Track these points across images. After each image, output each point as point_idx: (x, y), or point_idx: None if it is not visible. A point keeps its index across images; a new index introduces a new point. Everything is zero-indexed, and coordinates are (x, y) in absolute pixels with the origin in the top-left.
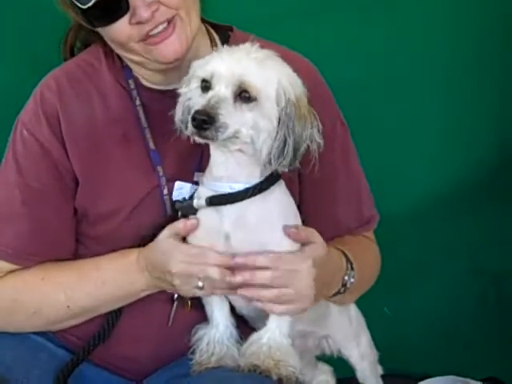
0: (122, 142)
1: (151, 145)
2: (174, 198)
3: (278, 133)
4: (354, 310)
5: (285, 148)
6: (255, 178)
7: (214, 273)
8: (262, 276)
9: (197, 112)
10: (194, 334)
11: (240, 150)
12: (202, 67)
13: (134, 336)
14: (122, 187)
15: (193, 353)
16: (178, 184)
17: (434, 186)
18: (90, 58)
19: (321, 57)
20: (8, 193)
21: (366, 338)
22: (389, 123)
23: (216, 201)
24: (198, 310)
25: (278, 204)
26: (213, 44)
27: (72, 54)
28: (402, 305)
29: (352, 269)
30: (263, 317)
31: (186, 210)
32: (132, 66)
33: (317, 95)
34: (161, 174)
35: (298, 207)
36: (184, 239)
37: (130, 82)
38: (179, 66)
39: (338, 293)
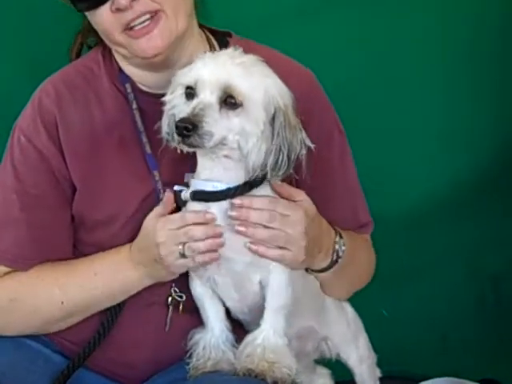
0: (118, 146)
1: (147, 149)
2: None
3: (273, 144)
4: (350, 312)
5: (279, 158)
6: (240, 180)
7: (197, 231)
8: (258, 215)
9: (180, 120)
10: (190, 339)
11: (227, 156)
12: (185, 74)
13: (130, 341)
14: (119, 193)
15: (190, 357)
16: (176, 188)
17: (432, 188)
18: (89, 63)
19: (318, 57)
20: (6, 198)
21: (364, 340)
22: (387, 124)
23: (198, 196)
24: (194, 314)
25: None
26: (212, 49)
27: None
28: (399, 306)
29: (341, 237)
30: (258, 319)
31: (177, 200)
32: (126, 67)
33: (315, 103)
34: (157, 178)
35: None
36: None
37: (127, 85)
38: (172, 68)
39: (332, 263)
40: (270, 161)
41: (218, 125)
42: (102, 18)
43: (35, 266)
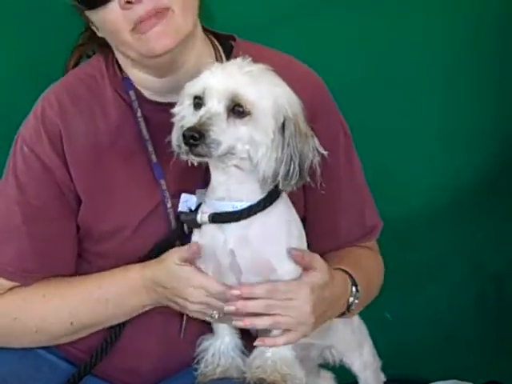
0: (123, 156)
1: (153, 158)
2: (179, 210)
3: (283, 153)
4: (356, 319)
5: (290, 168)
6: (257, 195)
7: (219, 305)
8: (255, 305)
9: (187, 129)
10: (198, 345)
11: (237, 167)
12: (193, 84)
13: (137, 348)
14: (125, 204)
15: (198, 363)
16: (183, 196)
17: (433, 189)
18: (92, 71)
19: (319, 58)
20: (8, 209)
21: (368, 347)
22: (387, 125)
23: (218, 219)
24: (201, 321)
25: (281, 219)
26: (217, 53)
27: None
28: (403, 310)
29: (357, 291)
30: (266, 329)
31: (190, 223)
32: (129, 71)
33: (322, 107)
34: (164, 187)
35: (303, 219)
36: None
37: (131, 93)
38: (178, 73)
39: (343, 314)
40: (281, 171)
41: (226, 134)
42: (111, 15)
43: (39, 282)
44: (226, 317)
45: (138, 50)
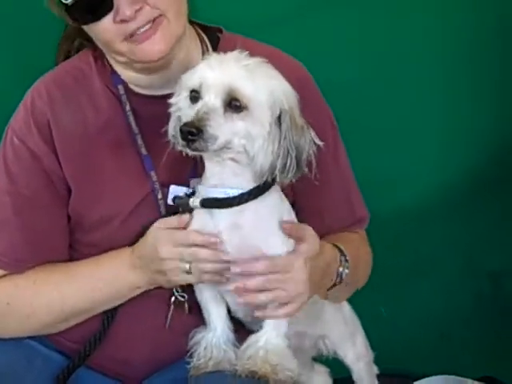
0: (113, 148)
1: (143, 150)
2: (169, 203)
3: (280, 146)
4: (347, 310)
5: (287, 161)
6: (250, 184)
7: (204, 253)
8: (255, 282)
9: (185, 124)
10: (191, 338)
11: (233, 160)
12: (190, 76)
13: (130, 339)
14: (115, 194)
15: (190, 356)
16: (172, 188)
17: (430, 187)
18: (79, 64)
19: (315, 56)
20: None
21: (361, 338)
22: (385, 123)
23: (208, 203)
24: (195, 313)
25: (273, 208)
26: (203, 45)
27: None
28: (397, 305)
29: (346, 260)
30: (260, 320)
31: (182, 206)
32: (119, 69)
33: (307, 97)
34: (154, 179)
35: (291, 204)
36: None
37: (120, 87)
38: (168, 68)
39: (334, 285)
40: (279, 164)
41: (223, 128)
42: (104, 30)
43: (32, 269)
44: (199, 269)
45: (131, 57)
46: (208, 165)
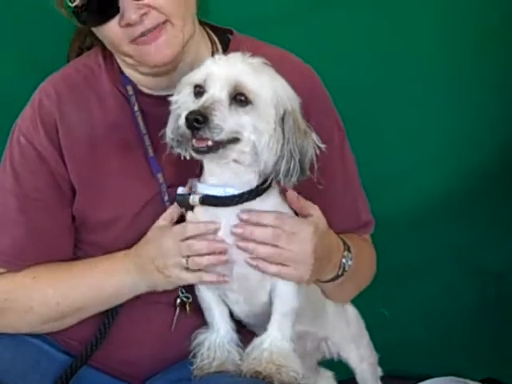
0: (120, 149)
1: (150, 152)
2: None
3: (284, 149)
4: (352, 312)
5: (291, 165)
6: (250, 185)
7: (200, 245)
8: (262, 232)
9: (190, 112)
10: (194, 339)
11: (236, 161)
12: (194, 73)
13: (134, 340)
14: (121, 195)
15: (194, 357)
16: (180, 189)
17: (432, 187)
18: (89, 63)
19: (320, 55)
20: (4, 200)
21: (365, 340)
22: (388, 123)
23: (208, 201)
24: (198, 314)
25: (273, 209)
26: (214, 47)
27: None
28: (400, 306)
29: (349, 251)
30: (262, 322)
31: (183, 203)
32: (127, 70)
33: (317, 102)
34: (161, 181)
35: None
36: None
37: (129, 87)
38: (175, 71)
39: (337, 276)
40: (282, 167)
41: (227, 120)
42: (110, 32)
43: (32, 267)
44: (196, 263)
45: (137, 59)
46: (208, 166)
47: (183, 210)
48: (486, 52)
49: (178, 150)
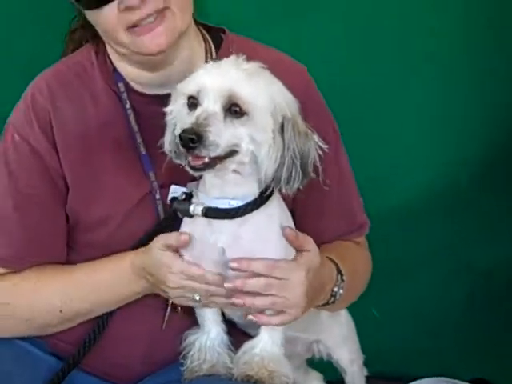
0: (112, 146)
1: (142, 150)
2: (172, 196)
3: (283, 158)
4: (344, 315)
5: (292, 172)
6: (253, 194)
7: (220, 291)
8: (255, 283)
9: (184, 131)
10: (184, 340)
11: (236, 171)
12: (187, 83)
13: (124, 341)
14: (113, 193)
15: (184, 359)
16: (173, 188)
17: (421, 183)
18: (82, 60)
19: (312, 54)
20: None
21: (355, 342)
22: (379, 119)
23: (212, 214)
24: (189, 315)
25: (273, 217)
26: (207, 45)
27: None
28: (389, 306)
29: (342, 280)
30: (250, 322)
31: (182, 212)
32: (120, 64)
33: (312, 105)
34: (153, 179)
35: (291, 211)
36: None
37: (120, 85)
38: (169, 66)
39: (327, 304)
40: (283, 175)
41: (224, 135)
42: (107, 17)
43: (32, 270)
44: (209, 300)
45: (131, 49)
46: (208, 177)
47: (179, 214)
48: (479, 48)
49: (177, 161)
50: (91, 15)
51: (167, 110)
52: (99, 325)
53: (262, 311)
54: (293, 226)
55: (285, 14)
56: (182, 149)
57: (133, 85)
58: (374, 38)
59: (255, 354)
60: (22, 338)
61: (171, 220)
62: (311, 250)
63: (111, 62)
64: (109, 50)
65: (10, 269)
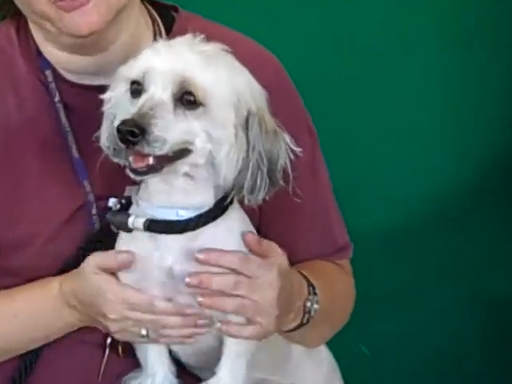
0: (39, 148)
1: (75, 153)
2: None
3: (247, 161)
4: (324, 351)
5: (258, 179)
6: (207, 203)
7: (173, 321)
8: (223, 280)
9: (123, 122)
10: None
11: (188, 175)
12: (131, 66)
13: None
14: (38, 206)
15: None
16: (112, 202)
17: (420, 195)
18: (0, 41)
19: (285, 43)
20: None
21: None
22: (380, 123)
23: (157, 227)
24: (130, 355)
25: (233, 231)
26: (155, 26)
27: None
28: (381, 340)
29: (315, 293)
30: (208, 363)
31: (118, 225)
32: (46, 48)
33: (280, 96)
34: (88, 189)
35: (256, 229)
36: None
37: (48, 73)
38: (107, 50)
39: (301, 325)
40: (247, 183)
41: (173, 129)
42: None
43: None
44: (159, 333)
45: (57, 25)
46: (152, 181)
47: (113, 228)
48: (484, 46)
49: (116, 160)
50: None
51: (105, 97)
52: (26, 365)
53: (226, 321)
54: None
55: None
56: (120, 144)
57: (62, 72)
58: (368, 31)
59: None
60: None
61: (104, 235)
62: (278, 255)
63: (35, 44)
64: (32, 28)
65: None
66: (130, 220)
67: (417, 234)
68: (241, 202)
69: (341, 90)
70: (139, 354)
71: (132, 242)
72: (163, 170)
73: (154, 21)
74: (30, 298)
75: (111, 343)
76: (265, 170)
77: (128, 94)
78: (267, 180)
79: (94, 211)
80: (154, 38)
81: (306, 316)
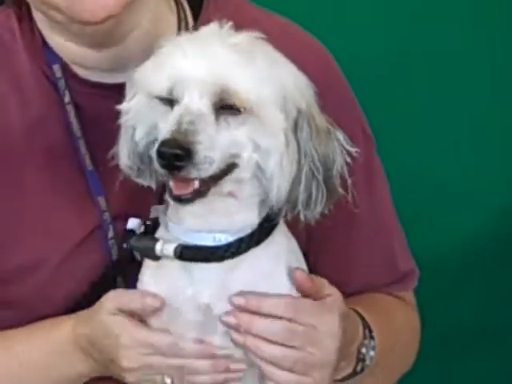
0: (44, 158)
1: (88, 164)
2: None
3: (300, 170)
4: None
5: (313, 188)
6: (251, 225)
7: (202, 366)
8: (267, 326)
9: (163, 143)
10: None
11: (231, 194)
12: (152, 72)
13: None
14: (44, 229)
15: None
16: (133, 223)
17: (501, 219)
18: None
19: (330, 34)
20: None
21: None
22: (428, 129)
23: (190, 255)
24: None
25: (280, 259)
26: (180, 11)
27: None
28: None
29: (371, 337)
30: None
31: (143, 251)
32: (54, 40)
33: (332, 91)
34: (103, 207)
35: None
36: None
37: (56, 67)
38: (124, 41)
39: (354, 373)
40: (301, 195)
41: (218, 144)
42: None
43: None
44: (188, 381)
45: (67, 12)
46: None
47: (137, 255)
48: None
49: (139, 181)
50: None
51: (121, 107)
52: None
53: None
54: (305, 267)
55: None
56: (161, 170)
57: (73, 68)
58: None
59: None
60: None
61: (125, 264)
62: (333, 294)
63: (40, 34)
64: (36, 17)
65: None
66: (158, 246)
67: (480, 270)
68: (287, 222)
69: (403, 92)
70: None
71: (160, 273)
72: (209, 192)
73: (178, 5)
74: (38, 343)
75: None
76: (320, 178)
77: (150, 103)
78: (324, 190)
79: (110, 234)
80: (179, 26)
81: (360, 364)
